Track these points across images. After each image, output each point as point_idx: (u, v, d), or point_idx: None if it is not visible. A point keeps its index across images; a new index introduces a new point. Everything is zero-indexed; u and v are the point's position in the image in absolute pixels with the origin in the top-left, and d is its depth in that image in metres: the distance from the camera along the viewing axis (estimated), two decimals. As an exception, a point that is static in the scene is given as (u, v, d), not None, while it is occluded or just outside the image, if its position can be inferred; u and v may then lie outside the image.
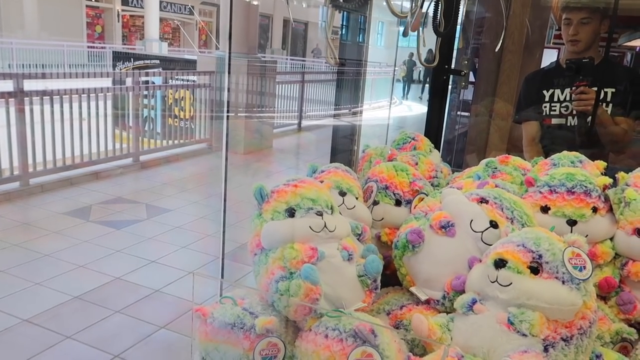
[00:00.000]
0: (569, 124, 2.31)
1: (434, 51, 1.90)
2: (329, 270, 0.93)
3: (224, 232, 1.09)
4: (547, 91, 2.36)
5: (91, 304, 3.20)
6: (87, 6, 19.34)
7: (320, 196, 1.00)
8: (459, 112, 4.05)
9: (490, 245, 0.95)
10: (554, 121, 2.36)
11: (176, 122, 7.34)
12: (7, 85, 5.03)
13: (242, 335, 0.88)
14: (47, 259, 3.76)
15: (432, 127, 2.24)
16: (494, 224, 0.98)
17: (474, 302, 0.86)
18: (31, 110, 5.20)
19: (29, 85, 5.25)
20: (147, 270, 3.72)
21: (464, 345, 0.84)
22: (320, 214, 0.98)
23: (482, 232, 0.97)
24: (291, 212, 0.98)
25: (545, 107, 2.37)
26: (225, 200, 1.07)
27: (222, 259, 1.10)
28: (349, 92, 3.59)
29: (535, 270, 0.83)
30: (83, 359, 2.66)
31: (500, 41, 2.13)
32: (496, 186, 1.10)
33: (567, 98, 2.30)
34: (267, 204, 0.99)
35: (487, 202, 1.01)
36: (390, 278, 1.16)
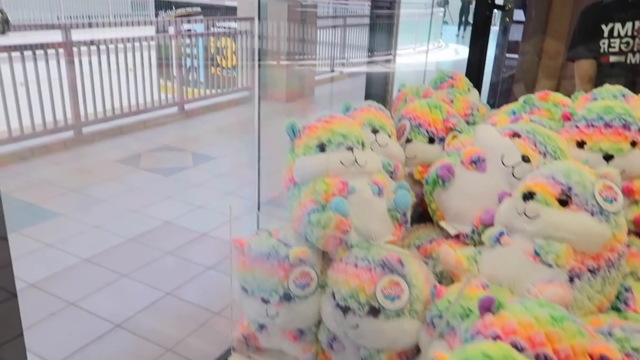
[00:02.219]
0: (628, 62, 2.18)
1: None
2: (359, 204, 0.96)
3: (259, 168, 1.13)
4: (606, 25, 2.21)
5: (144, 245, 3.39)
6: (128, -45, 19.30)
7: (351, 132, 1.02)
8: (507, 54, 3.88)
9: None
10: (612, 59, 2.23)
11: (219, 70, 7.38)
12: (57, 36, 5.18)
13: (276, 264, 0.94)
14: (103, 204, 3.98)
15: (474, 67, 2.18)
16: (525, 159, 0.97)
17: (501, 234, 0.88)
18: (80, 61, 5.35)
19: (76, 35, 5.38)
20: (194, 215, 3.87)
21: (490, 276, 0.86)
22: (350, 148, 1.00)
23: (514, 166, 0.97)
24: (322, 147, 1.00)
25: (603, 43, 2.23)
26: (259, 144, 1.10)
27: (258, 192, 1.15)
28: (388, 37, 3.50)
29: (564, 202, 0.82)
30: (138, 296, 2.85)
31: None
32: (531, 121, 1.08)
33: (629, 33, 2.16)
34: (299, 139, 1.02)
35: (519, 136, 1.00)
36: (424, 215, 1.18)
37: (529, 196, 0.84)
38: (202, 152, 5.33)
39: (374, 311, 0.86)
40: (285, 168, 1.03)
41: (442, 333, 0.78)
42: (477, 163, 0.99)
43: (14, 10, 12.85)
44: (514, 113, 1.16)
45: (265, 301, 0.94)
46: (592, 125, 1.03)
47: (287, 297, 0.93)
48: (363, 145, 1.03)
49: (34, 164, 4.70)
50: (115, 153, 5.11)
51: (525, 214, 0.84)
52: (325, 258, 0.99)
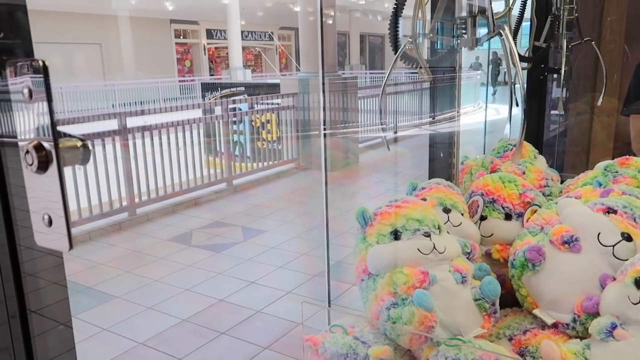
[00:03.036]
0: None
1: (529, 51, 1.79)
2: (442, 295, 0.88)
3: (328, 259, 1.08)
4: None
5: (198, 326, 3.33)
6: (176, 43, 20.75)
7: (426, 216, 0.95)
8: (552, 111, 3.79)
9: (624, 260, 0.84)
10: None
11: (264, 144, 7.57)
12: (113, 124, 5.48)
13: (356, 366, 0.85)
14: (157, 284, 3.99)
15: (532, 131, 2.10)
16: (626, 237, 0.87)
17: (613, 326, 0.77)
18: (134, 145, 5.61)
19: (130, 122, 5.67)
20: (247, 292, 3.81)
21: (607, 377, 0.75)
22: (427, 234, 0.93)
23: (613, 246, 0.87)
24: (396, 235, 0.94)
25: None
26: (327, 229, 1.05)
27: (328, 286, 1.08)
28: (435, 101, 3.49)
29: (687, 289, 0.72)
30: (195, 381, 2.77)
31: (604, 91, 1.97)
32: (623, 193, 0.99)
33: None
34: (370, 227, 0.96)
35: (615, 212, 0.91)
36: (505, 298, 1.08)
37: (643, 283, 0.74)
38: (252, 226, 5.35)
39: (473, 421, 0.75)
40: (357, 258, 0.96)
41: None
42: (569, 243, 0.90)
43: (73, 102, 13.84)
44: (599, 184, 1.07)
45: (345, 408, 0.85)
46: (697, 195, 0.93)
47: (370, 404, 0.84)
48: (440, 229, 0.96)
49: (91, 247, 4.82)
50: (168, 232, 5.20)
51: (641, 304, 0.74)
52: (408, 356, 0.90)
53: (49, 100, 0.40)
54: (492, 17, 1.00)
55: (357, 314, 0.97)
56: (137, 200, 5.56)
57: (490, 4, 0.97)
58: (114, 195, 5.33)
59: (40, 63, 0.40)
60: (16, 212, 0.73)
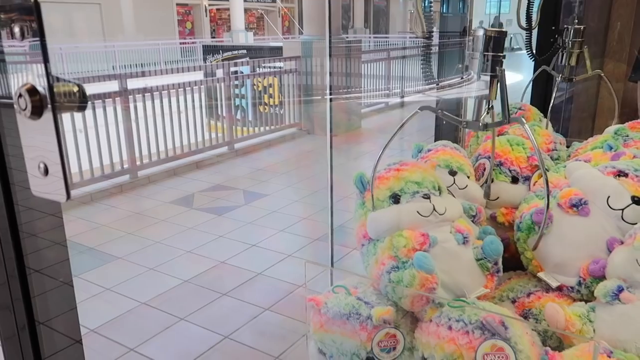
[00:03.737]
0: None
1: (534, 12, 1.72)
2: (443, 256, 0.87)
3: (331, 217, 1.07)
4: None
5: (200, 287, 3.37)
6: (177, 4, 20.32)
7: (425, 178, 0.94)
8: (557, 78, 3.72)
9: (633, 224, 0.83)
10: None
11: (266, 108, 7.50)
12: (113, 86, 5.41)
13: (358, 326, 0.85)
14: (158, 246, 4.01)
15: (539, 96, 2.06)
16: (636, 200, 0.86)
17: (620, 289, 0.76)
18: (135, 107, 5.56)
19: (131, 84, 5.60)
20: (248, 254, 3.84)
21: (611, 339, 0.74)
22: (427, 196, 0.91)
23: (623, 209, 0.86)
24: (396, 198, 0.92)
25: None
26: (331, 192, 1.03)
27: (332, 245, 1.08)
28: (440, 66, 3.42)
29: (697, 252, 0.71)
30: (196, 340, 2.81)
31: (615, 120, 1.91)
32: (634, 157, 0.97)
33: None
34: (369, 192, 0.95)
35: (626, 175, 0.89)
36: (509, 261, 1.07)
37: (652, 246, 0.73)
38: (254, 189, 5.36)
39: (474, 381, 0.76)
40: (357, 223, 0.95)
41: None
42: (578, 206, 0.89)
43: (73, 63, 13.66)
44: (610, 147, 1.04)
45: (347, 367, 0.86)
46: None
47: (371, 363, 0.84)
48: (440, 190, 0.94)
49: (93, 209, 4.84)
50: (169, 194, 5.20)
51: (649, 267, 0.73)
52: (411, 317, 0.90)
53: (42, 40, 0.37)
54: (507, 107, 0.97)
55: (360, 275, 0.96)
56: (138, 162, 5.54)
57: (506, 94, 0.94)
58: (115, 157, 5.32)
59: (32, 1, 0.37)
60: (13, 173, 0.72)
